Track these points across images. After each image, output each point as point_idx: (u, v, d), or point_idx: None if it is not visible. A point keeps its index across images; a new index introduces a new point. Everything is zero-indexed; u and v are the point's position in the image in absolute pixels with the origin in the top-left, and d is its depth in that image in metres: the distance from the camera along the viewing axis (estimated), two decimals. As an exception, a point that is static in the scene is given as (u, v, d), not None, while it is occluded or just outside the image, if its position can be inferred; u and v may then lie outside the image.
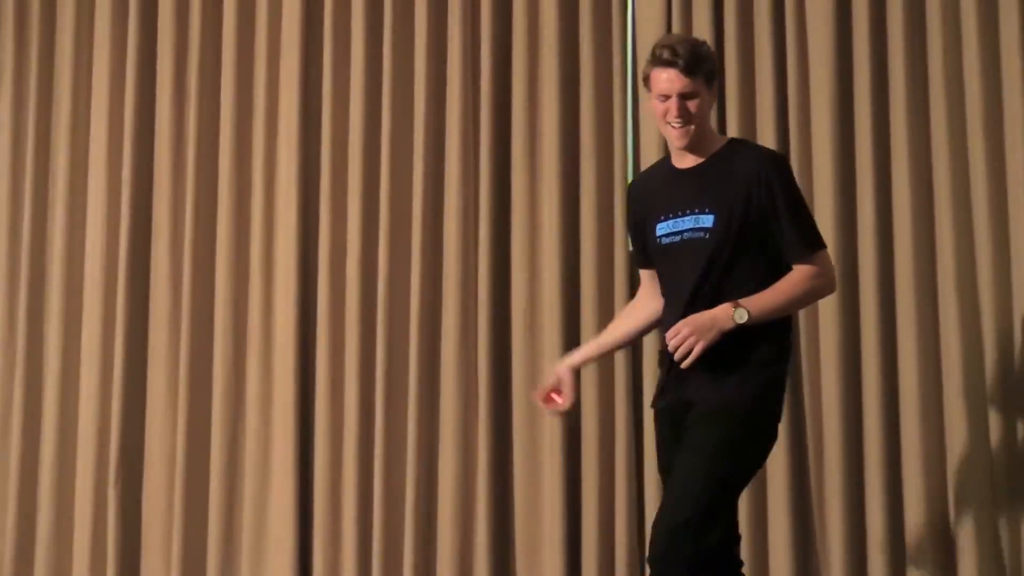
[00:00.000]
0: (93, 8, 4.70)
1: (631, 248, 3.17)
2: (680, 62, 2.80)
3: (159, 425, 4.48)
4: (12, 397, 4.57)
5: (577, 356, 3.14)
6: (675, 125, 2.84)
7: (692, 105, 2.83)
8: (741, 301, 2.77)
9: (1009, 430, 3.75)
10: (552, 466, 4.09)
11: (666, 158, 3.04)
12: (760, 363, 2.82)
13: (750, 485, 3.19)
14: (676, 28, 4.08)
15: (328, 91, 4.40)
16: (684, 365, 2.78)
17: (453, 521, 4.15)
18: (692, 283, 2.84)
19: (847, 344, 3.86)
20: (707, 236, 2.82)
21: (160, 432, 4.47)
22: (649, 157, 4.08)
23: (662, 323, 2.96)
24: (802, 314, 3.85)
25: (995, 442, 3.75)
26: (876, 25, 3.92)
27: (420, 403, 4.22)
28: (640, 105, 4.15)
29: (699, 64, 2.82)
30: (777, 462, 3.82)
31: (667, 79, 2.82)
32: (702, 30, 4.04)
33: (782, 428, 3.79)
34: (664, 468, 2.96)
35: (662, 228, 2.91)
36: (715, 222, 2.82)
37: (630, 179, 4.14)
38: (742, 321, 2.75)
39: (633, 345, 3.27)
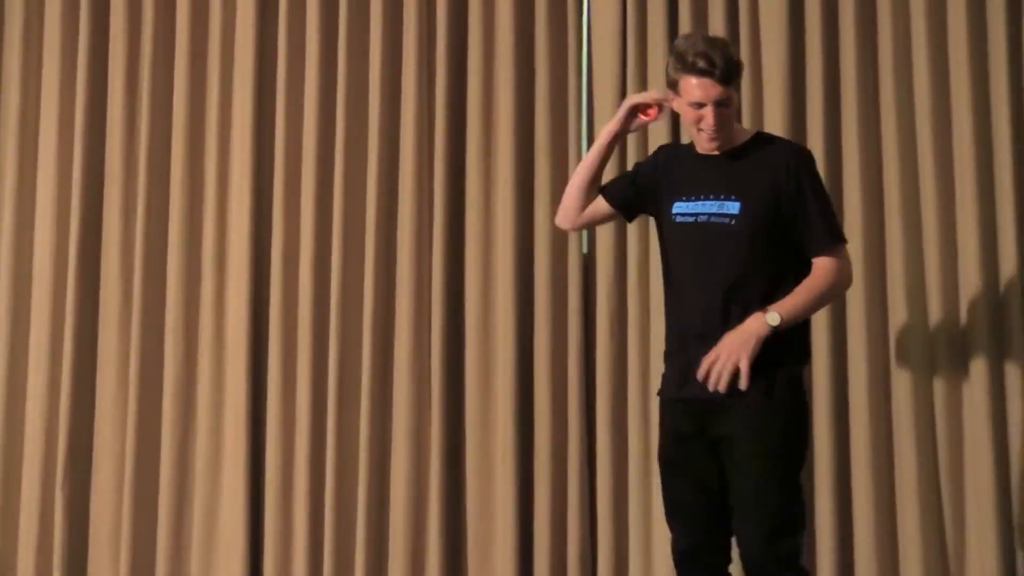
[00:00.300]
0: (43, 5, 4.65)
1: (623, 177, 3.27)
2: (717, 72, 2.80)
3: (108, 425, 4.43)
4: (-41, 397, 4.51)
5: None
6: (711, 134, 2.86)
7: (725, 113, 2.85)
8: (769, 306, 2.79)
9: (954, 432, 3.80)
10: (504, 467, 4.10)
11: (689, 144, 3.06)
12: (789, 361, 2.85)
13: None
14: (631, 32, 4.11)
15: (282, 91, 4.39)
16: (742, 386, 2.76)
17: (405, 522, 4.15)
18: (723, 267, 2.83)
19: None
20: (732, 223, 2.84)
21: (109, 432, 4.42)
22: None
23: (681, 301, 2.93)
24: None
25: (941, 445, 3.80)
26: (828, 28, 3.97)
27: (373, 405, 4.21)
28: (595, 108, 4.17)
29: (734, 72, 2.84)
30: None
31: (703, 88, 2.82)
32: (656, 33, 4.07)
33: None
34: (671, 461, 2.93)
35: (679, 207, 2.93)
36: (741, 209, 2.84)
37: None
38: (775, 324, 2.77)
39: (581, 192, 3.17)
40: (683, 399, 2.90)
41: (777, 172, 2.87)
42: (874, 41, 3.96)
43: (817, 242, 2.88)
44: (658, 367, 3.93)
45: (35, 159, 4.59)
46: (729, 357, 2.76)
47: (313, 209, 4.32)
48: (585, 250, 4.19)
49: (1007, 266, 3.78)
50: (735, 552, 2.91)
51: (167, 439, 4.35)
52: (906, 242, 3.84)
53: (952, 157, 3.86)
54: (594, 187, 3.15)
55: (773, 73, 3.97)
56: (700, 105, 2.83)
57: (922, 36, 3.87)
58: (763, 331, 2.76)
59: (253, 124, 4.40)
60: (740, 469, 2.81)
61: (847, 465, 3.85)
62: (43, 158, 4.57)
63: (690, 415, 2.88)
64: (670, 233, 2.95)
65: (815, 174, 2.93)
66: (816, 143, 3.92)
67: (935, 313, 3.82)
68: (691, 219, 2.88)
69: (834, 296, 3.04)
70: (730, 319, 2.82)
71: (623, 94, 4.10)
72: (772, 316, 2.77)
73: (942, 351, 3.81)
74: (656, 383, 3.92)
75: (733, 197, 2.85)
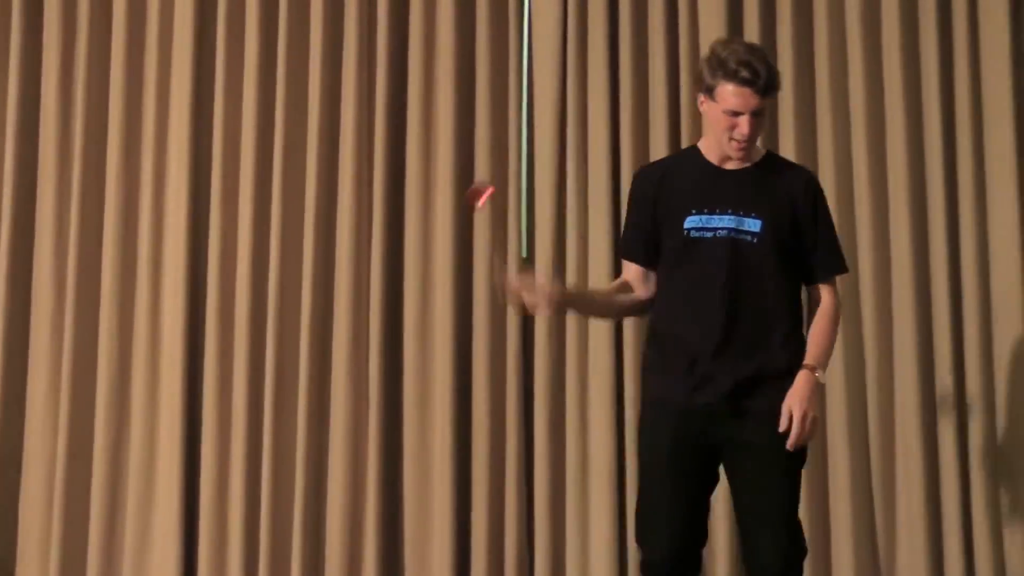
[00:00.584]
0: (-26, 0, 4.58)
1: (626, 235, 3.04)
2: (760, 82, 2.78)
3: (39, 428, 4.35)
4: None
5: (572, 287, 3.07)
6: (740, 143, 2.83)
7: (758, 123, 2.83)
8: (808, 362, 2.82)
9: (886, 436, 3.85)
10: (442, 469, 4.08)
11: (692, 152, 2.99)
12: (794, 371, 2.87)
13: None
14: (571, 35, 4.12)
15: (221, 88, 4.34)
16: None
17: (342, 524, 4.11)
18: (742, 283, 2.82)
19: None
20: (755, 241, 2.83)
21: (40, 436, 4.34)
22: (543, 162, 4.12)
23: (693, 314, 2.86)
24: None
25: (873, 451, 3.85)
26: (766, 35, 4.01)
27: (310, 406, 4.18)
28: (535, 110, 4.18)
29: (774, 84, 2.83)
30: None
31: (742, 97, 2.78)
32: (596, 35, 4.09)
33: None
34: (667, 468, 2.86)
35: (693, 221, 2.86)
36: (762, 228, 2.83)
37: (524, 185, 4.17)
38: (824, 381, 2.87)
39: (614, 319, 3.12)
40: (693, 409, 2.84)
41: (795, 194, 2.88)
42: (810, 46, 4.01)
43: (825, 268, 2.92)
44: (597, 372, 3.99)
45: (-35, 157, 4.51)
46: (806, 415, 2.77)
47: (251, 209, 4.28)
48: (525, 254, 4.19)
49: (938, 271, 3.85)
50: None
51: (99, 442, 4.29)
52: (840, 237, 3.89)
53: (885, 162, 3.92)
54: (620, 293, 3.01)
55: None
56: (736, 114, 2.80)
57: (857, 44, 3.94)
58: (816, 387, 2.83)
59: (191, 122, 4.35)
60: (761, 477, 2.81)
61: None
62: (-27, 156, 4.50)
63: (697, 423, 2.84)
64: (681, 246, 2.86)
65: (825, 200, 2.98)
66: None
67: (868, 316, 3.88)
68: (709, 234, 2.84)
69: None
70: (745, 335, 2.82)
71: (564, 96, 4.11)
72: (821, 375, 2.84)
73: (872, 351, 3.87)
74: (595, 388, 3.99)
75: (754, 215, 2.84)
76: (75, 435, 4.30)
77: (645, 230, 2.94)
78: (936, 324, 3.84)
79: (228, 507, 4.21)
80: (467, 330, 4.16)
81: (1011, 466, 3.78)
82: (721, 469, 2.90)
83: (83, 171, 4.39)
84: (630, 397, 3.96)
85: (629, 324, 3.98)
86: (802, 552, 2.83)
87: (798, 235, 2.87)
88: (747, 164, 2.89)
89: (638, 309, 3.03)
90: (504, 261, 2.80)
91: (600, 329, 4.00)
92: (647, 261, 2.96)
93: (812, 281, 2.92)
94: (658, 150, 3.98)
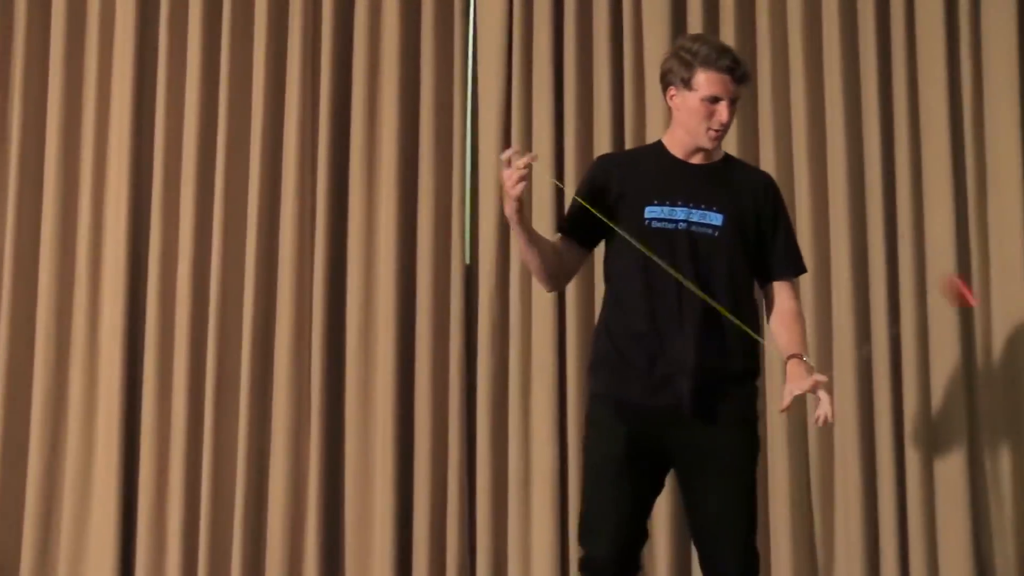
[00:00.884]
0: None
1: (570, 214, 2.96)
2: (738, 71, 2.85)
3: (-28, 434, 4.28)
4: None
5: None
6: (718, 130, 2.86)
7: (733, 112, 2.87)
8: (795, 351, 2.85)
9: (825, 436, 3.90)
10: (384, 476, 4.06)
11: (657, 145, 2.99)
12: (754, 378, 2.90)
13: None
14: (516, 40, 4.14)
15: (163, 89, 4.31)
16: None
17: (282, 531, 4.08)
18: (704, 276, 2.82)
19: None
20: (716, 234, 2.85)
21: (-27, 442, 4.28)
22: (488, 166, 4.13)
23: (650, 306, 2.83)
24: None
25: (811, 442, 3.90)
26: (709, 17, 4.06)
27: (251, 411, 4.15)
28: (479, 116, 4.19)
29: (748, 75, 2.89)
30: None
31: (723, 84, 2.83)
32: (541, 39, 4.12)
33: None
34: (619, 465, 2.81)
35: (654, 212, 2.86)
36: (724, 222, 2.85)
37: (468, 186, 4.18)
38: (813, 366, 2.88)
39: (536, 266, 2.90)
40: (653, 407, 2.82)
41: (756, 194, 2.93)
42: (753, 43, 4.06)
43: (787, 265, 2.96)
44: (540, 374, 4.00)
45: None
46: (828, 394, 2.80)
47: (193, 212, 4.25)
48: (468, 260, 4.19)
49: (876, 272, 3.90)
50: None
51: (35, 447, 4.23)
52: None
53: (825, 160, 3.98)
54: (554, 254, 2.93)
55: (656, 78, 4.01)
56: (715, 100, 2.84)
57: (798, 45, 4.00)
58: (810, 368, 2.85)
59: (131, 125, 4.31)
60: (726, 486, 2.80)
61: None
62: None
63: (656, 424, 2.82)
64: (641, 236, 2.84)
65: (785, 204, 3.02)
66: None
67: (808, 317, 3.89)
68: (671, 225, 2.84)
69: None
70: (706, 332, 2.81)
71: (508, 102, 4.13)
72: (808, 361, 2.86)
73: (812, 350, 3.89)
74: (538, 390, 3.99)
75: (715, 209, 2.86)
76: (10, 439, 4.25)
77: (588, 214, 2.88)
78: (874, 324, 3.89)
79: (167, 510, 4.16)
80: (410, 333, 4.15)
81: (944, 463, 3.83)
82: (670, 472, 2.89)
83: (20, 172, 4.34)
84: (573, 401, 3.98)
85: (572, 329, 4.01)
86: (759, 559, 2.84)
87: (759, 234, 2.90)
88: (708, 161, 2.92)
89: (554, 277, 2.94)
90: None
91: (543, 333, 4.01)
92: (581, 241, 2.96)
93: (771, 280, 2.95)
94: (602, 149, 4.00)
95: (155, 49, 4.36)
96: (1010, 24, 3.91)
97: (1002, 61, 3.91)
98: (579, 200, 2.89)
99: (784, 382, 2.86)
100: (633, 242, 2.80)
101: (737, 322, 2.79)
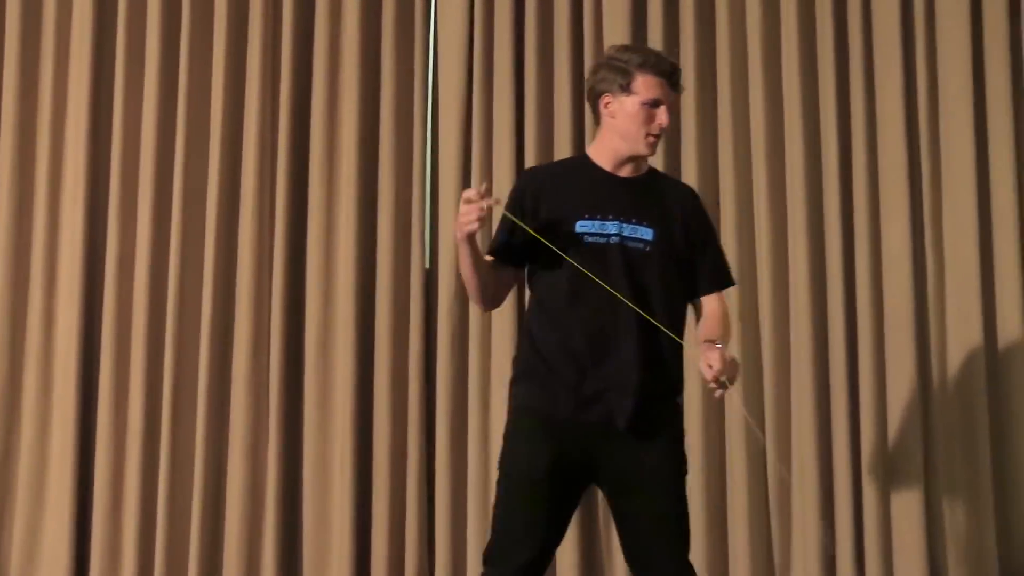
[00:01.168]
0: None
1: (500, 232, 2.89)
2: (676, 77, 2.84)
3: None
4: None
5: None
6: (657, 135, 2.84)
7: (670, 118, 2.86)
8: (711, 337, 2.78)
9: (782, 441, 3.92)
10: (343, 478, 4.05)
11: (582, 158, 2.95)
12: (680, 394, 2.87)
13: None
14: (477, 43, 4.14)
15: (120, 93, 4.27)
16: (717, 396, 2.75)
17: (240, 533, 4.06)
18: (631, 287, 2.77)
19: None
20: (648, 248, 2.81)
21: (-75, 447, 4.23)
22: (448, 171, 4.13)
23: (580, 322, 2.77)
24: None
25: (769, 447, 3.91)
26: (669, 37, 4.09)
27: (209, 414, 4.12)
28: (439, 118, 4.18)
29: (681, 85, 2.88)
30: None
31: (663, 89, 2.82)
32: (502, 41, 4.13)
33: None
34: (540, 482, 2.73)
35: (584, 226, 2.80)
36: (655, 236, 2.82)
37: (428, 193, 4.17)
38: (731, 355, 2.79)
39: (478, 277, 2.84)
40: (583, 423, 2.76)
41: (685, 207, 2.92)
42: (712, 51, 4.09)
43: (717, 278, 2.95)
44: (499, 380, 3.99)
45: None
46: (732, 377, 2.72)
47: (150, 215, 4.22)
48: (428, 265, 4.19)
49: (833, 281, 3.94)
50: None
51: (-11, 451, 4.18)
52: (738, 244, 3.97)
53: (784, 172, 4.02)
54: (492, 274, 2.87)
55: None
56: (656, 104, 2.82)
57: (757, 55, 4.03)
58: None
59: (88, 127, 4.27)
60: (656, 494, 2.76)
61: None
62: None
63: (583, 439, 2.76)
64: (572, 251, 2.78)
65: (709, 217, 3.02)
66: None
67: (766, 325, 3.96)
68: (603, 240, 2.79)
69: None
70: (637, 347, 2.76)
71: (469, 104, 4.13)
72: (721, 347, 2.77)
73: (770, 362, 3.94)
74: (497, 396, 3.99)
75: (646, 223, 2.82)
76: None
77: (520, 230, 2.82)
78: (831, 331, 3.92)
79: (122, 518, 4.13)
80: (369, 337, 4.14)
81: (900, 472, 3.87)
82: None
83: (-26, 174, 4.30)
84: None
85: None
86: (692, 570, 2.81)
87: (688, 248, 2.88)
88: (636, 174, 2.89)
89: (493, 299, 2.90)
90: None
91: (503, 337, 4.01)
92: (514, 261, 2.88)
93: (701, 293, 2.92)
94: (562, 153, 4.02)
95: (112, 50, 4.32)
96: (964, 33, 3.96)
97: (957, 71, 3.96)
98: (510, 216, 2.82)
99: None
100: (576, 265, 2.75)
101: (671, 333, 2.77)
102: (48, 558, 4.13)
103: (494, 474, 3.94)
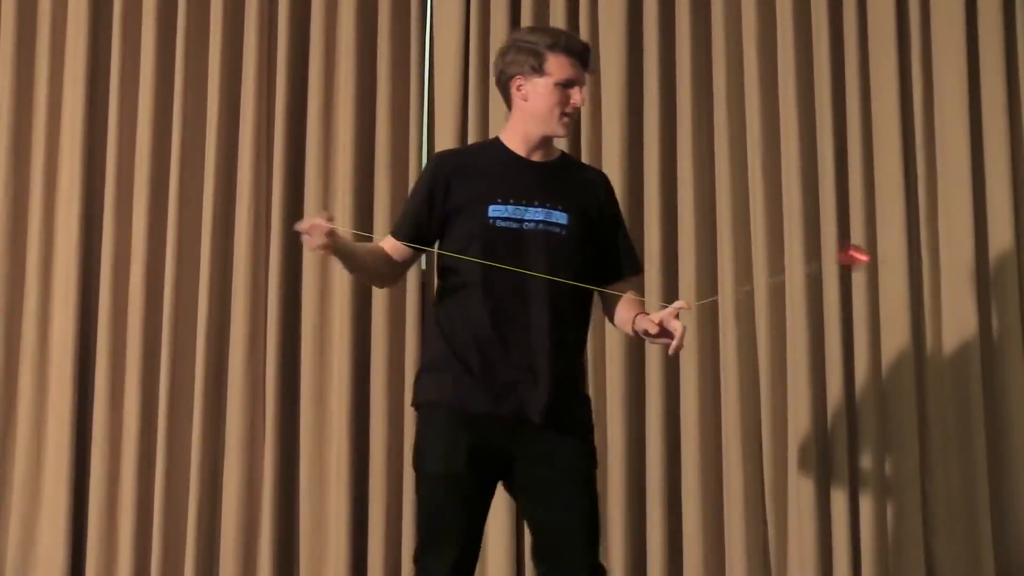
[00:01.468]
0: None
1: (409, 216, 2.86)
2: (588, 56, 2.82)
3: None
4: None
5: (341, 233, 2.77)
6: (571, 115, 2.82)
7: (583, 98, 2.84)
8: (641, 310, 2.77)
9: (779, 443, 3.92)
10: (339, 481, 4.04)
11: (494, 142, 2.92)
12: (584, 379, 2.88)
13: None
14: (473, 41, 4.15)
15: (115, 92, 4.26)
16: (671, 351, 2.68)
17: (236, 536, 4.05)
18: (546, 271, 2.74)
19: (632, 359, 3.98)
20: (564, 232, 2.79)
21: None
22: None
23: (497, 309, 2.74)
24: (592, 331, 3.90)
25: (765, 448, 3.91)
26: (665, 29, 4.09)
27: (205, 416, 4.11)
28: (435, 116, 4.18)
29: (593, 66, 2.87)
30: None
31: (575, 69, 2.80)
32: (499, 39, 4.11)
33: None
34: (460, 479, 2.72)
35: (497, 211, 2.77)
36: (569, 220, 2.80)
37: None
38: None
39: (363, 274, 2.92)
40: (497, 416, 2.72)
41: (598, 192, 2.91)
42: (708, 46, 4.09)
43: (630, 262, 2.94)
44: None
45: None
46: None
47: (146, 216, 4.21)
48: (424, 266, 4.19)
49: (830, 287, 3.93)
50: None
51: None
52: (735, 246, 3.97)
53: (780, 176, 4.01)
54: (380, 262, 2.86)
55: (612, 82, 4.07)
56: (569, 84, 2.80)
57: (753, 60, 4.03)
58: None
59: (84, 126, 4.26)
60: (571, 490, 2.73)
61: (677, 476, 3.94)
62: None
63: (500, 432, 2.72)
64: (484, 236, 2.76)
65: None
66: (652, 138, 4.04)
67: (762, 326, 3.95)
68: (516, 224, 2.76)
69: None
70: (551, 335, 2.73)
71: (465, 101, 4.13)
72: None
73: (767, 363, 3.93)
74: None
75: (560, 207, 2.81)
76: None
77: (427, 214, 2.82)
78: (828, 334, 3.92)
79: (118, 519, 4.12)
80: (365, 338, 4.13)
81: (897, 472, 3.87)
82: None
83: (-31, 174, 4.29)
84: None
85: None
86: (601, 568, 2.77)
87: (601, 232, 2.87)
88: (549, 159, 2.88)
89: (384, 278, 2.89)
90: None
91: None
92: (418, 242, 2.85)
93: (618, 277, 2.90)
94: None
95: (108, 50, 4.31)
96: (959, 34, 3.96)
97: (953, 72, 3.96)
98: (409, 245, 2.82)
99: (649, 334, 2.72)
100: (475, 259, 2.74)
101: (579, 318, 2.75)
102: (44, 557, 4.12)
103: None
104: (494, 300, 2.74)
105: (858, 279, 3.92)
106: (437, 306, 2.85)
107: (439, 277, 2.87)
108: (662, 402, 3.93)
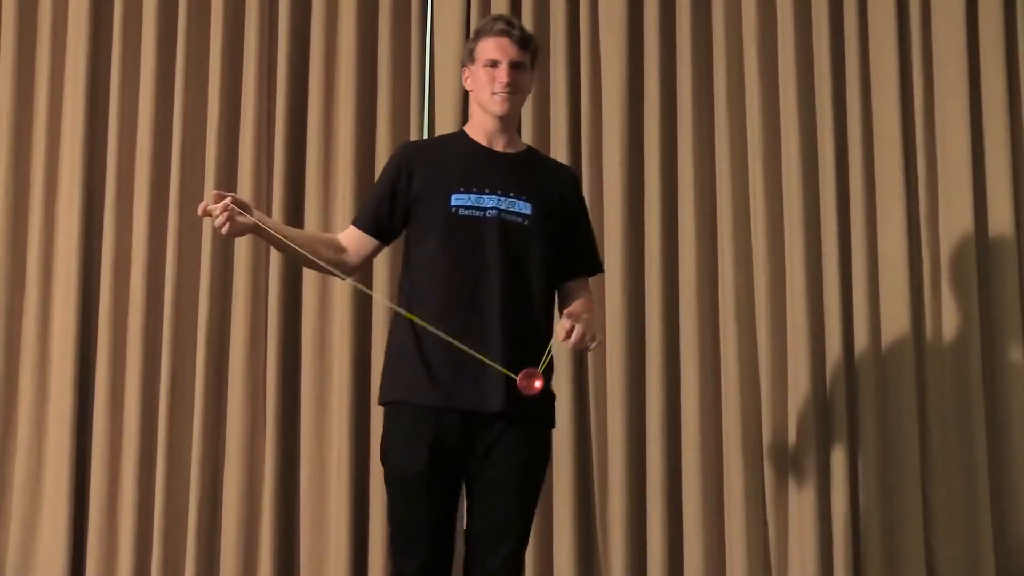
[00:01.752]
0: None
1: (371, 204, 2.88)
2: (516, 33, 2.84)
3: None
4: None
5: (260, 216, 2.73)
6: (502, 92, 2.82)
7: (519, 76, 2.85)
8: (575, 311, 2.77)
9: (779, 442, 3.92)
10: (339, 480, 4.04)
11: (459, 133, 2.96)
12: (549, 373, 2.81)
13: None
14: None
15: (116, 93, 4.26)
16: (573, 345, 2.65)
17: (237, 536, 4.06)
18: (507, 261, 2.75)
19: (632, 363, 3.98)
20: (525, 222, 2.80)
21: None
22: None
23: (456, 298, 2.73)
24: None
25: (765, 448, 3.92)
26: (665, 29, 4.09)
27: (206, 417, 4.11)
28: (436, 107, 4.17)
29: (530, 40, 2.88)
30: (562, 476, 3.92)
31: (500, 47, 2.83)
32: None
33: (570, 444, 3.88)
34: (424, 478, 2.71)
35: (460, 199, 2.78)
36: (532, 210, 2.81)
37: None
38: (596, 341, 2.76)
39: (302, 265, 2.93)
40: (457, 411, 2.71)
41: (563, 186, 2.93)
42: (708, 47, 4.10)
43: (590, 260, 2.96)
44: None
45: None
46: (591, 332, 2.67)
47: (147, 216, 4.22)
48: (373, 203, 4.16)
49: (830, 286, 3.94)
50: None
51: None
52: (735, 247, 3.97)
53: (780, 176, 4.01)
54: (323, 247, 2.83)
55: (612, 84, 4.07)
56: (495, 64, 2.83)
57: (753, 59, 4.03)
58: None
59: (84, 126, 4.26)
60: (512, 486, 2.73)
61: (678, 476, 3.94)
62: None
63: (458, 427, 2.72)
64: (445, 225, 2.77)
65: (585, 202, 3.03)
66: (652, 138, 4.04)
67: (762, 327, 3.95)
68: (479, 213, 2.77)
69: None
70: (513, 327, 2.73)
71: (465, 101, 4.13)
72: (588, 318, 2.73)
73: (767, 364, 3.94)
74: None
75: (524, 198, 2.82)
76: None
77: (389, 202, 2.84)
78: (828, 334, 3.93)
79: (119, 518, 4.12)
80: (365, 336, 4.13)
81: (897, 473, 3.88)
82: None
83: (-30, 174, 4.29)
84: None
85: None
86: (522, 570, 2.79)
87: (565, 226, 2.88)
88: (512, 150, 2.90)
89: (332, 269, 2.82)
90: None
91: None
92: (376, 233, 2.87)
93: (572, 276, 2.91)
94: (559, 155, 4.01)
95: (109, 50, 4.31)
96: (960, 34, 3.97)
97: (953, 71, 3.96)
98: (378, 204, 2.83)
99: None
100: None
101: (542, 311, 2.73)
102: (44, 558, 4.12)
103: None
104: (453, 293, 2.75)
105: (858, 279, 3.92)
106: (399, 297, 2.86)
107: (403, 268, 2.88)
108: (662, 402, 3.93)
